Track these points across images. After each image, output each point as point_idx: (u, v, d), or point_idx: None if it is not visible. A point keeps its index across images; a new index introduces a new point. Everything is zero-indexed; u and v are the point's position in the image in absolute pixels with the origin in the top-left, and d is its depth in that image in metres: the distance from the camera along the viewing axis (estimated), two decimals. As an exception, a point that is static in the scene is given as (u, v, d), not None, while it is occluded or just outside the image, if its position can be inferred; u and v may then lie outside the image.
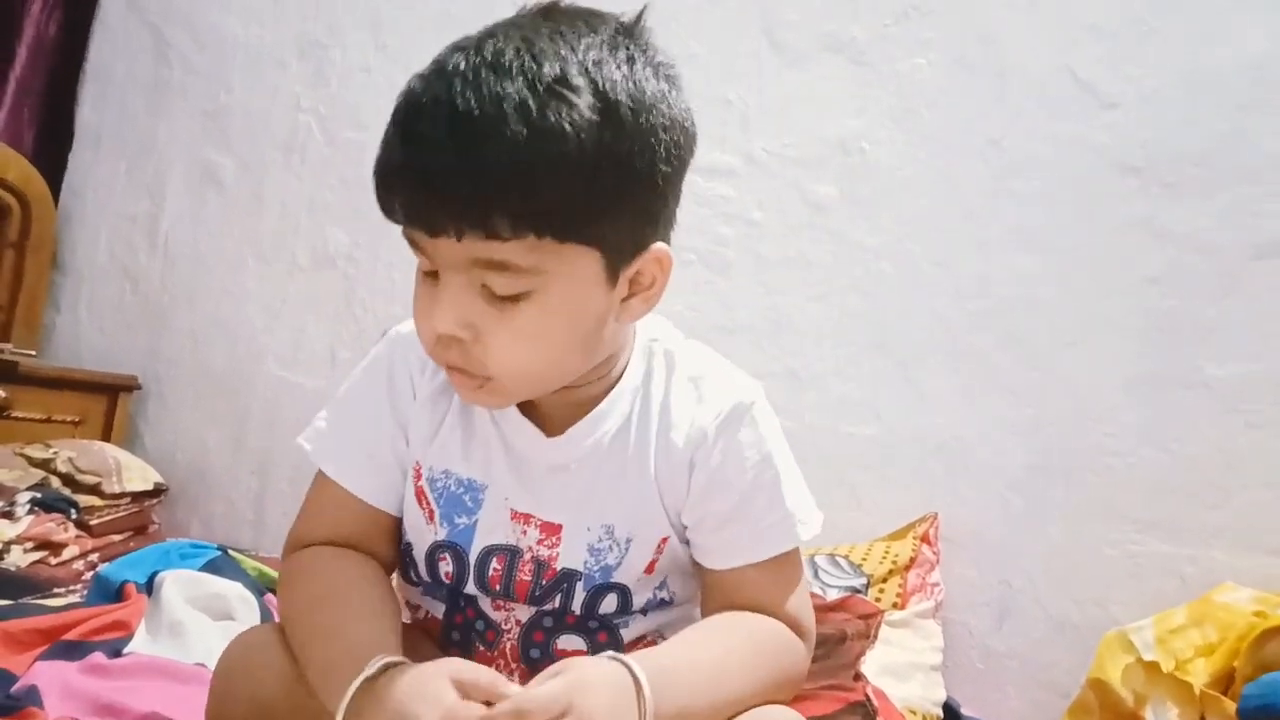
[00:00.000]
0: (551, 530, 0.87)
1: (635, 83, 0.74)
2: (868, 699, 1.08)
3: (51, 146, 2.58)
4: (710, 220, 1.99)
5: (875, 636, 1.22)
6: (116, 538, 1.94)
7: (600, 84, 0.72)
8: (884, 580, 1.61)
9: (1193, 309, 1.68)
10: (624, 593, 0.89)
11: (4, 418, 2.14)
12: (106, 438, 2.30)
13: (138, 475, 2.07)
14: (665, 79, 0.77)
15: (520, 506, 0.88)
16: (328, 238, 2.33)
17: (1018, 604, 1.71)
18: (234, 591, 1.43)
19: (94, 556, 1.82)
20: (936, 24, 1.91)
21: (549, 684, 0.69)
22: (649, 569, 0.89)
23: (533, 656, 0.91)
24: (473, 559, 0.89)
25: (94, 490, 1.97)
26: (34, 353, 2.36)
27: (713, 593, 0.89)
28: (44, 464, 1.96)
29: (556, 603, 0.89)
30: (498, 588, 0.89)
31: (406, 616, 1.00)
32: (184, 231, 2.47)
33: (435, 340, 0.78)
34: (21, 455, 1.97)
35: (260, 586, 1.51)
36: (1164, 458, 1.66)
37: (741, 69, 2.03)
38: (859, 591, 1.57)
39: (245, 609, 1.41)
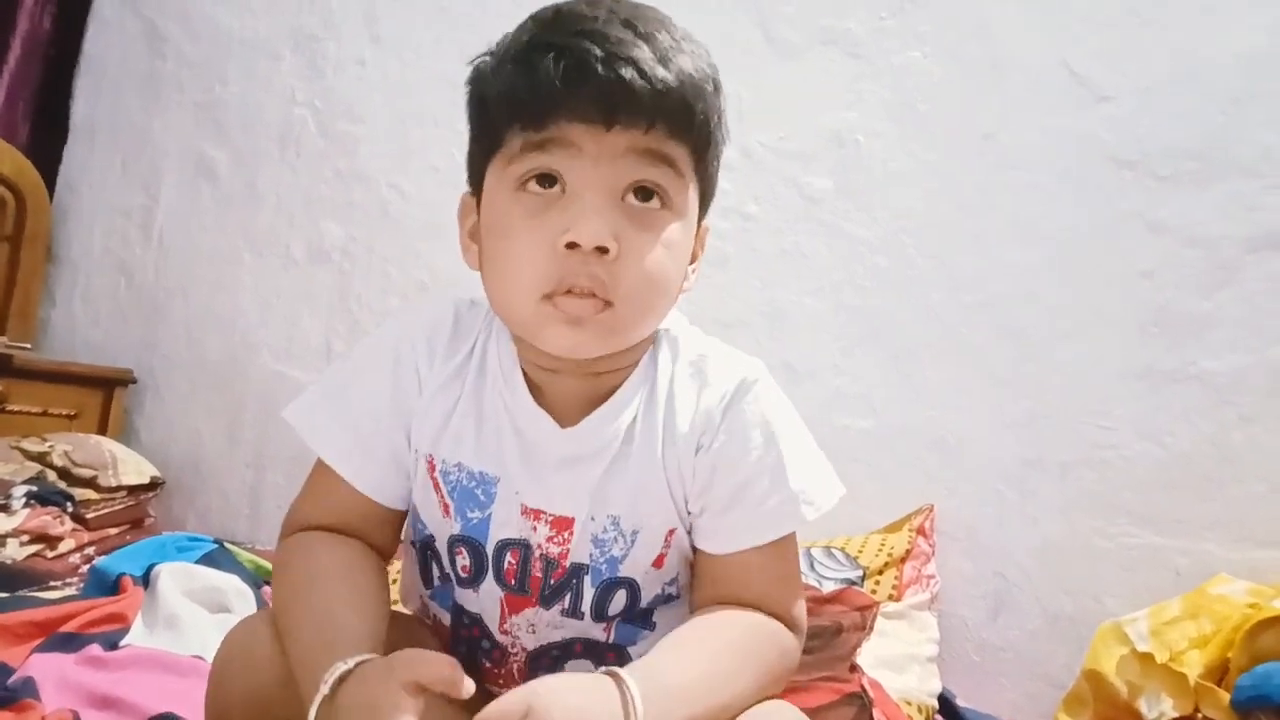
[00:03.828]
0: (562, 525, 0.86)
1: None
2: (863, 690, 1.09)
3: (46, 140, 2.57)
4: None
5: (871, 628, 1.22)
6: (113, 531, 1.94)
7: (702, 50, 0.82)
8: (880, 572, 1.62)
9: (1187, 302, 1.68)
10: (632, 588, 0.88)
11: (0, 411, 2.14)
12: (102, 431, 2.29)
13: (133, 469, 2.07)
14: None
15: (531, 502, 0.86)
16: (322, 231, 2.33)
17: (1013, 597, 1.71)
18: (230, 584, 1.43)
19: (90, 550, 1.82)
20: (932, 17, 1.91)
21: (510, 692, 0.67)
22: (658, 563, 0.88)
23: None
24: (490, 552, 0.87)
25: (90, 484, 1.96)
26: (29, 346, 2.36)
27: (705, 579, 0.87)
28: (40, 457, 1.96)
29: (566, 602, 0.87)
30: (513, 582, 0.87)
31: (411, 610, 0.99)
32: (178, 225, 2.47)
33: (565, 263, 0.76)
34: (17, 449, 1.96)
35: (257, 579, 1.51)
36: (1158, 451, 1.66)
37: (737, 62, 2.03)
38: (855, 584, 1.57)
39: (241, 602, 1.41)
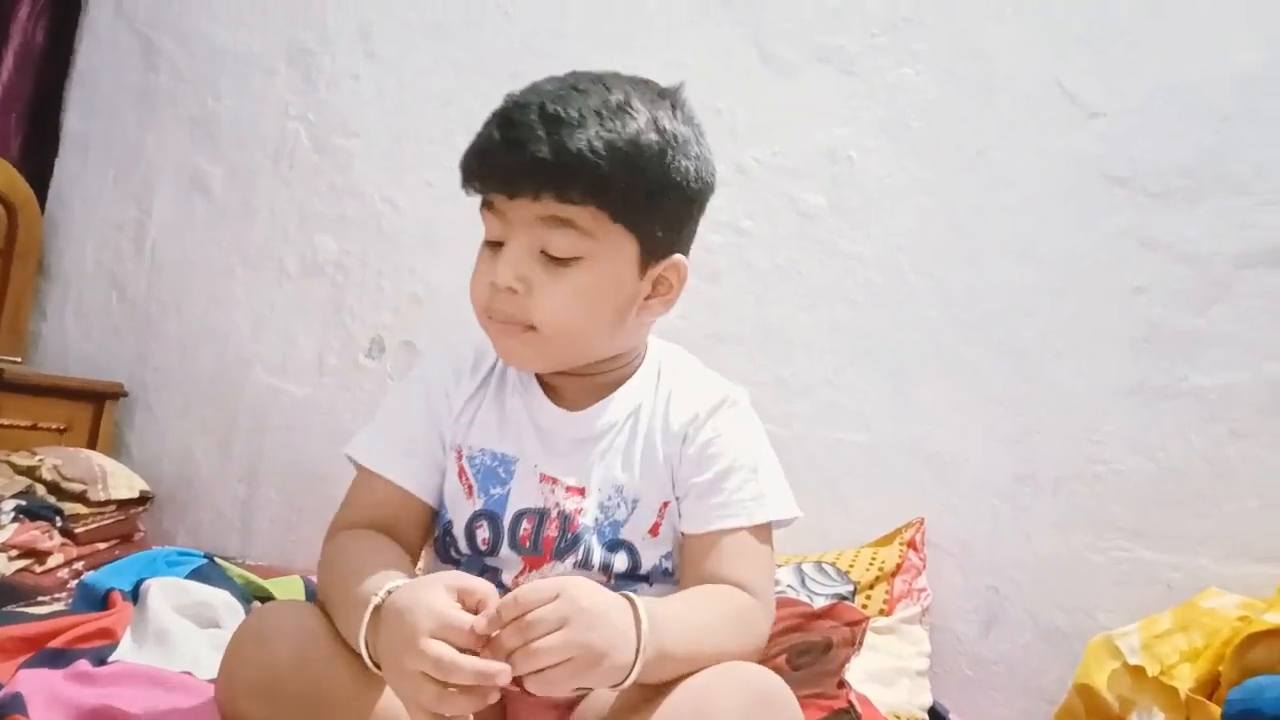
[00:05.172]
0: (575, 491, 1.02)
1: (676, 122, 0.98)
2: (851, 706, 1.09)
3: (38, 153, 2.56)
4: (700, 229, 1.99)
5: (860, 644, 1.22)
6: (102, 545, 1.93)
7: (652, 113, 0.96)
8: (871, 587, 1.62)
9: (1179, 318, 1.69)
10: (632, 551, 1.02)
11: (-11, 425, 2.13)
12: (93, 445, 2.28)
13: (124, 483, 2.06)
14: (697, 129, 1.01)
15: (548, 471, 1.03)
16: (316, 245, 2.33)
17: (1005, 611, 1.71)
18: (221, 599, 1.42)
19: (79, 564, 1.81)
20: (925, 35, 1.92)
21: (544, 579, 0.81)
22: (654, 531, 1.03)
23: None
24: (506, 522, 1.02)
25: (79, 498, 1.95)
26: (19, 359, 2.35)
27: (688, 560, 1.02)
28: (29, 471, 1.94)
29: (579, 554, 1.01)
30: (528, 545, 1.01)
31: None
32: (171, 239, 2.46)
33: (491, 294, 0.97)
34: (6, 462, 1.95)
35: (247, 594, 1.50)
36: (1151, 466, 1.67)
37: (731, 79, 2.04)
38: (846, 598, 1.57)
39: (232, 617, 1.40)
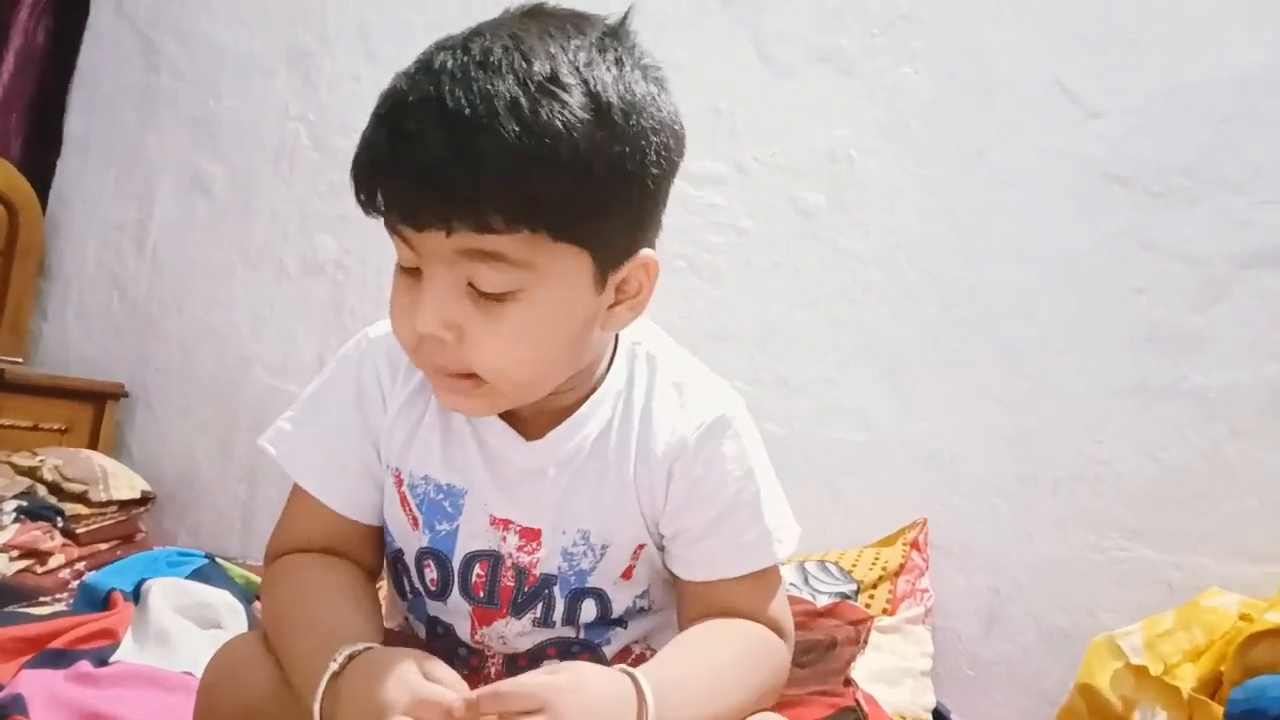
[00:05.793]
0: (530, 536, 0.86)
1: (625, 84, 0.73)
2: (858, 704, 1.08)
3: (40, 154, 2.56)
4: (700, 228, 2.00)
5: (865, 642, 1.22)
6: (103, 546, 1.93)
7: (591, 84, 0.71)
8: (874, 586, 1.62)
9: (1179, 318, 1.69)
10: (601, 598, 0.88)
11: (-10, 425, 2.13)
12: (94, 446, 2.28)
13: (125, 483, 2.06)
14: (653, 81, 0.77)
15: (499, 512, 0.86)
16: (316, 245, 2.33)
17: (1006, 611, 1.71)
18: (221, 600, 1.42)
19: (80, 565, 1.81)
20: (924, 34, 1.92)
21: (532, 675, 0.68)
22: (626, 574, 0.88)
23: None
24: (456, 565, 0.88)
25: (80, 498, 1.95)
26: (20, 360, 2.35)
27: (691, 601, 0.88)
28: (30, 472, 1.95)
29: (538, 611, 0.88)
30: (481, 595, 0.88)
31: (394, 626, 0.99)
32: (172, 239, 2.46)
33: (418, 341, 0.76)
34: (8, 463, 1.95)
35: (248, 594, 1.50)
36: (1151, 466, 1.67)
37: (730, 79, 2.04)
38: (849, 597, 1.57)
39: (232, 617, 1.40)
